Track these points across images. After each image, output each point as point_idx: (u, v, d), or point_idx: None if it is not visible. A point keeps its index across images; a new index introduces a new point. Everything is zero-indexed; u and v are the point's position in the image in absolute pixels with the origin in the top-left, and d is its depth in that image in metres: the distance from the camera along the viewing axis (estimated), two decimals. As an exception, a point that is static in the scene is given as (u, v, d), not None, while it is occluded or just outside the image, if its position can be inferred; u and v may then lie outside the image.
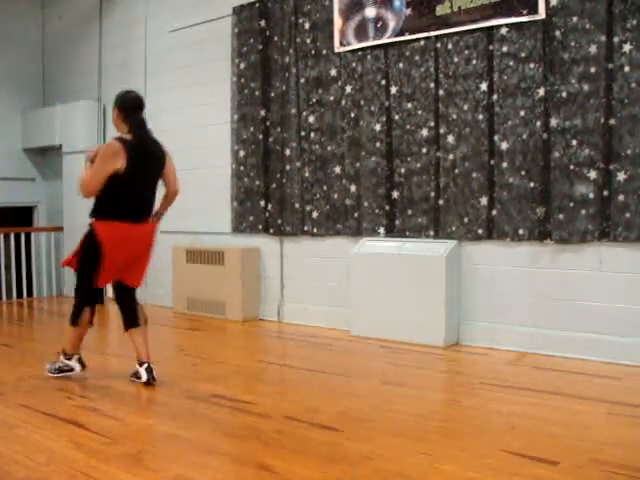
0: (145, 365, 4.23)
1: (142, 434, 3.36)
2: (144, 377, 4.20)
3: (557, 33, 4.84)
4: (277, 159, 6.52)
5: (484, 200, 5.25)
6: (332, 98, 6.09)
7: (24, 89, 9.06)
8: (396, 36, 5.65)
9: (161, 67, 7.65)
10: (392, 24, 5.67)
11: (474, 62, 5.25)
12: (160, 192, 4.45)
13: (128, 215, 4.15)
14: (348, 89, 5.98)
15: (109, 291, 8.26)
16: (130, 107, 4.20)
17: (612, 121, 4.66)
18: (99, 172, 4.05)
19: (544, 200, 4.96)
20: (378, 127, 5.79)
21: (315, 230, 6.30)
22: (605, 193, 4.70)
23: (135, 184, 4.13)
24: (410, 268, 5.41)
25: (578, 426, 3.39)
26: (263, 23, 6.55)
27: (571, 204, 4.82)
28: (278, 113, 6.47)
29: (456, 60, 5.34)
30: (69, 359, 4.40)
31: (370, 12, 5.80)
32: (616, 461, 2.90)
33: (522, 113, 5.02)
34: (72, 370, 4.40)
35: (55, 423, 3.51)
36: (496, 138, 5.17)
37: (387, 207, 5.79)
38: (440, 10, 5.37)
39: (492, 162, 5.20)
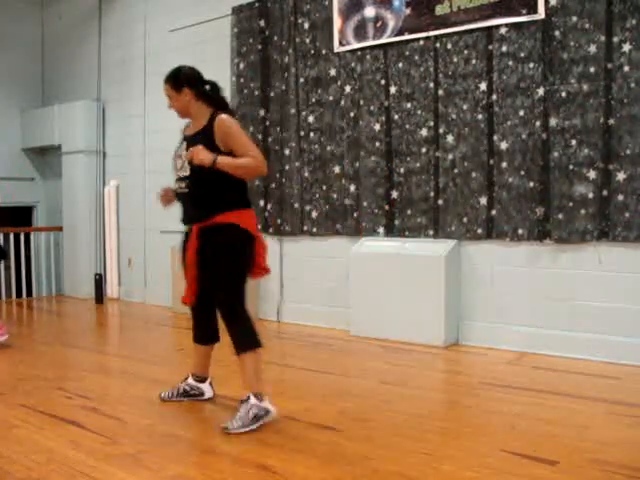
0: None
1: (141, 434, 3.36)
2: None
3: (556, 33, 4.84)
4: (276, 159, 6.52)
5: (483, 200, 5.25)
6: (331, 98, 6.09)
7: (23, 89, 9.06)
8: (395, 36, 5.64)
9: (160, 67, 7.57)
10: (391, 24, 5.66)
11: (473, 62, 5.24)
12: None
13: (249, 202, 3.63)
14: (347, 89, 5.98)
15: (108, 290, 8.29)
16: (201, 80, 3.66)
17: (611, 121, 4.66)
18: (249, 141, 3.55)
19: (543, 200, 4.96)
20: (377, 127, 5.79)
21: (314, 230, 6.30)
22: (604, 193, 4.70)
23: None
24: (409, 268, 5.41)
25: (577, 426, 3.39)
26: (262, 23, 6.54)
27: (570, 204, 4.82)
28: (277, 113, 6.47)
29: (455, 60, 5.34)
30: (262, 400, 3.40)
31: (369, 12, 5.80)
32: (616, 461, 2.90)
33: (521, 113, 5.02)
34: (269, 413, 3.40)
35: (54, 423, 3.51)
36: (495, 138, 5.17)
37: (386, 207, 5.79)
38: (439, 10, 5.37)
39: (491, 162, 5.20)
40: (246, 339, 3.46)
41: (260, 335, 3.49)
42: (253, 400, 3.35)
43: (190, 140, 3.54)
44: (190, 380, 3.89)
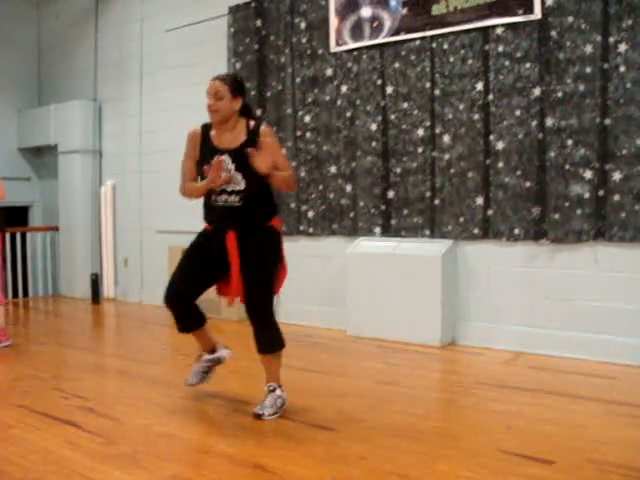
0: None
1: (138, 434, 3.36)
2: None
3: (553, 33, 4.84)
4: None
5: (480, 200, 5.25)
6: (328, 98, 6.09)
7: (19, 88, 9.03)
8: (392, 36, 5.65)
9: (157, 67, 7.64)
10: (388, 24, 5.67)
11: (470, 62, 5.25)
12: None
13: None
14: (344, 89, 5.98)
15: (104, 290, 8.28)
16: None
17: (607, 121, 4.67)
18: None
19: (540, 200, 4.97)
20: (374, 127, 5.79)
21: (311, 230, 6.29)
22: (600, 193, 4.71)
23: None
24: (406, 268, 5.41)
25: (574, 425, 3.40)
26: (259, 23, 6.54)
27: (567, 204, 4.83)
28: (274, 113, 6.47)
29: (452, 60, 5.34)
30: (283, 391, 3.69)
31: (366, 12, 5.80)
32: (612, 460, 2.90)
33: (518, 113, 5.03)
34: (285, 403, 3.68)
35: (51, 423, 3.50)
36: (492, 138, 5.17)
37: (383, 207, 5.79)
38: (436, 10, 5.38)
39: (488, 162, 5.21)
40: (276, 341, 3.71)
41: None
42: (279, 391, 3.63)
43: (236, 154, 3.50)
44: (206, 356, 3.97)
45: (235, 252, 3.54)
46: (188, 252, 3.75)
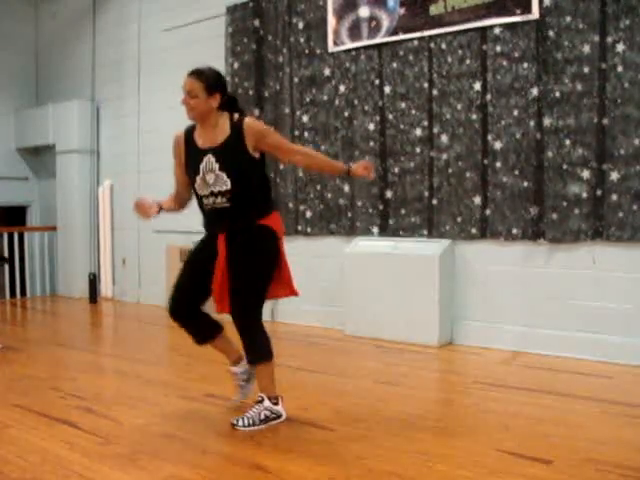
0: None
1: (136, 434, 3.36)
2: None
3: (550, 33, 4.84)
4: (271, 158, 6.50)
5: (477, 199, 5.26)
6: (326, 98, 6.09)
7: (17, 88, 9.03)
8: (390, 36, 5.65)
9: (155, 66, 7.64)
10: (386, 24, 5.67)
11: (468, 62, 5.25)
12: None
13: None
14: (342, 89, 5.98)
15: (102, 290, 8.27)
16: (226, 87, 3.47)
17: (605, 121, 4.67)
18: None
19: (537, 200, 4.97)
20: (372, 127, 5.80)
21: (309, 230, 6.29)
22: (598, 193, 4.71)
23: None
24: (404, 267, 5.41)
25: (571, 425, 3.40)
26: (257, 22, 6.54)
27: (564, 204, 4.83)
28: (272, 113, 6.47)
29: (450, 60, 5.34)
30: (276, 404, 3.46)
31: (364, 12, 5.80)
32: (609, 460, 2.90)
33: (515, 113, 5.03)
34: (280, 417, 3.46)
35: (48, 423, 3.50)
36: (490, 138, 5.17)
37: (381, 206, 5.79)
38: (434, 10, 5.38)
39: (485, 162, 5.21)
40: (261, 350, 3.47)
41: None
42: (267, 402, 3.43)
43: (219, 152, 3.34)
44: (233, 369, 3.68)
45: (222, 256, 3.37)
46: (186, 260, 3.61)
